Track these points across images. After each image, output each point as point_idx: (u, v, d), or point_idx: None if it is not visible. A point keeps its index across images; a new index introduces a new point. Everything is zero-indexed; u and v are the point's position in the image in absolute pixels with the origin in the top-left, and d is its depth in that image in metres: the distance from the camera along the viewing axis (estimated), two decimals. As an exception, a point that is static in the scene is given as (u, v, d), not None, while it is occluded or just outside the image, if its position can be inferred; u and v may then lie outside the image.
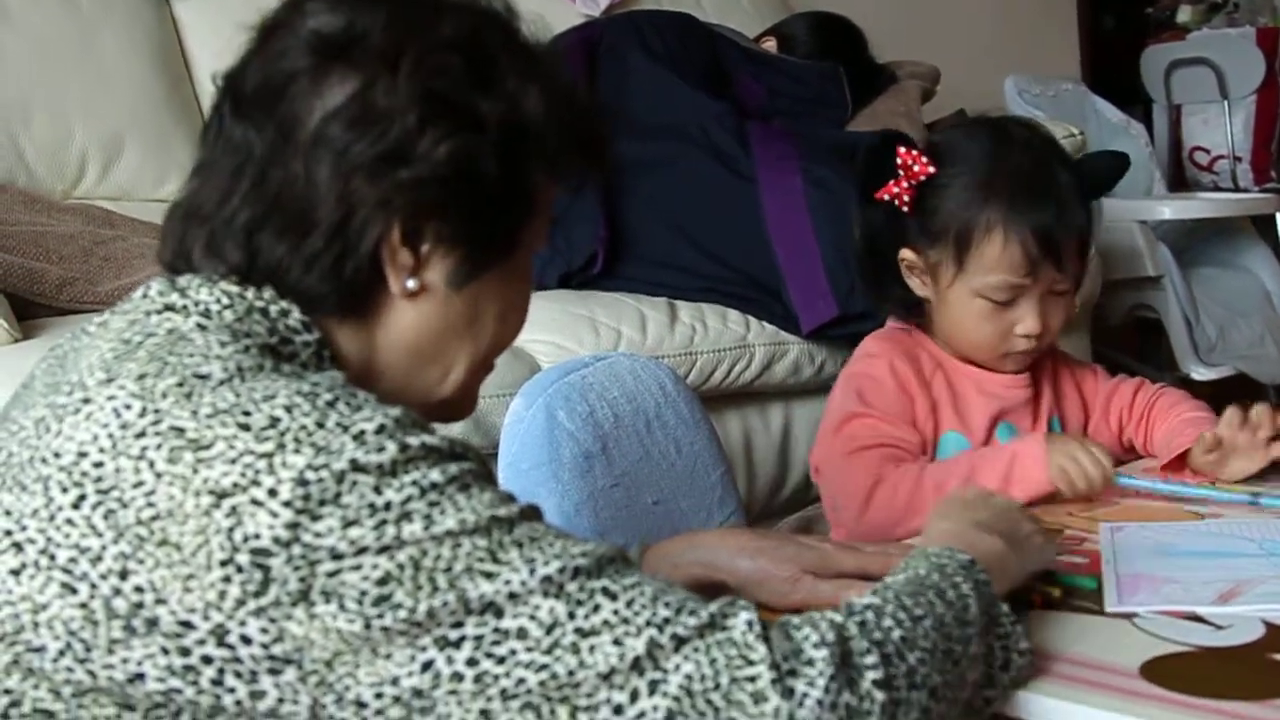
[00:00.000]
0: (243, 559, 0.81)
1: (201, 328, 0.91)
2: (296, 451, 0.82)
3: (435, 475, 0.84)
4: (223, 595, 0.81)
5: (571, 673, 0.82)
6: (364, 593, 0.81)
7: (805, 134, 2.57)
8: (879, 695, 0.86)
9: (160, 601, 0.82)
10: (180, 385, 0.85)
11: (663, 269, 2.43)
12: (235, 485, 0.81)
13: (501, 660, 0.82)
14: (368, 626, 0.81)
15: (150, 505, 0.82)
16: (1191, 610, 1.12)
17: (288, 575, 0.81)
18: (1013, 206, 1.50)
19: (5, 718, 0.85)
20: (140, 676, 0.83)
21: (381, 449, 0.83)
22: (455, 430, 1.60)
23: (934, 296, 1.58)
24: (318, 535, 0.81)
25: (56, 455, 0.85)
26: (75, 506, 0.83)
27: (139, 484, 0.83)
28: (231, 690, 0.82)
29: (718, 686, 0.83)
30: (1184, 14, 4.76)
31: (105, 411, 0.85)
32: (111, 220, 2.40)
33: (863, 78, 2.92)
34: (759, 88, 2.82)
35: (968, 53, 3.94)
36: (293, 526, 0.81)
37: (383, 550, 0.82)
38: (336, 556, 0.81)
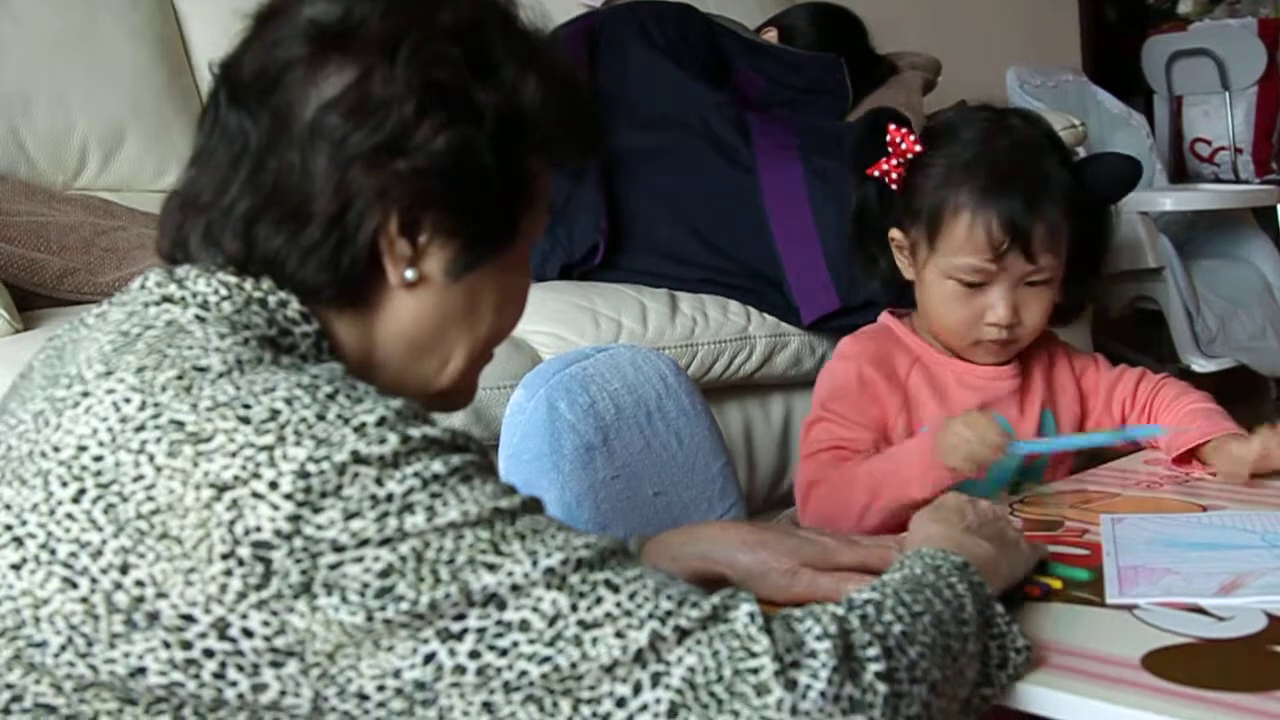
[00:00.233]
0: (244, 552, 0.80)
1: (200, 319, 0.91)
2: (297, 444, 0.82)
3: (437, 467, 0.84)
4: (224, 588, 0.81)
5: (574, 665, 0.82)
6: (366, 585, 0.81)
7: (806, 124, 2.57)
8: (882, 687, 0.86)
9: (161, 595, 0.81)
10: (179, 378, 0.85)
11: (664, 260, 2.43)
12: (236, 478, 0.81)
13: (504, 652, 0.82)
14: (370, 619, 0.81)
15: (150, 499, 0.82)
16: (1193, 602, 1.12)
17: (289, 568, 0.80)
18: (985, 190, 1.50)
19: (6, 713, 0.85)
20: (142, 670, 0.83)
21: (383, 441, 0.83)
22: (456, 421, 1.60)
23: (915, 277, 1.59)
24: (319, 528, 0.81)
25: (56, 449, 0.85)
26: (75, 501, 0.83)
27: (139, 478, 0.82)
28: (234, 684, 0.82)
29: (720, 678, 0.83)
30: (1185, 5, 4.76)
31: (104, 405, 0.85)
32: (112, 211, 2.40)
33: (864, 68, 2.92)
34: (759, 78, 2.81)
35: (969, 43, 3.94)
36: (294, 519, 0.81)
37: (385, 542, 0.81)
38: (338, 549, 0.81)
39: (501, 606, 0.82)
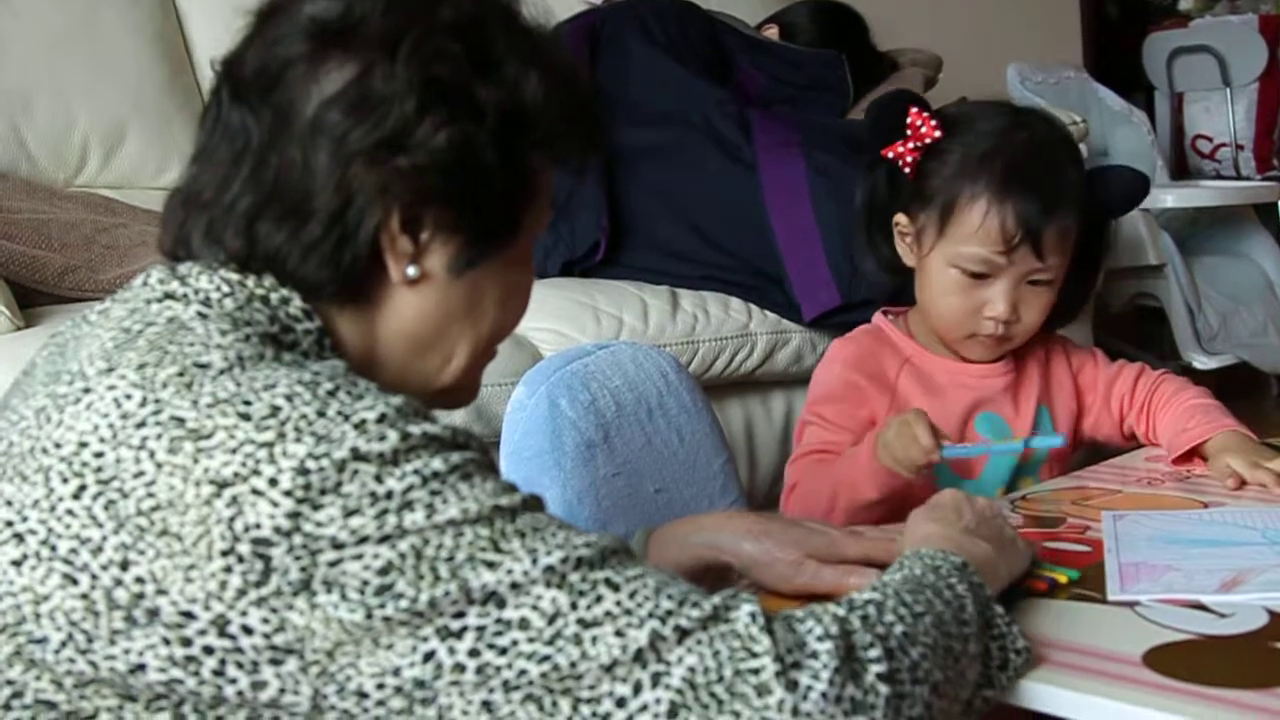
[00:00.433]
0: (244, 549, 0.80)
1: (202, 316, 0.91)
2: (297, 440, 0.82)
3: (437, 464, 0.84)
4: (224, 585, 0.81)
5: (574, 664, 0.82)
6: (366, 582, 0.81)
7: (807, 121, 2.56)
8: (883, 689, 0.85)
9: (161, 592, 0.81)
10: (181, 375, 0.85)
11: (665, 257, 2.43)
12: (236, 475, 0.81)
13: (503, 651, 0.82)
14: (369, 616, 0.81)
15: (151, 495, 0.82)
16: (1194, 598, 1.12)
17: (289, 565, 0.80)
18: (1004, 181, 1.50)
19: (7, 709, 0.85)
20: (142, 667, 0.82)
21: (383, 438, 0.83)
22: (457, 418, 1.60)
23: (917, 265, 1.59)
24: (319, 525, 0.81)
25: (57, 445, 0.85)
26: (76, 497, 0.83)
27: (139, 474, 0.82)
28: (233, 681, 0.82)
29: (721, 679, 0.83)
30: (1186, 1, 4.76)
31: (106, 401, 0.85)
32: (113, 208, 2.40)
33: (864, 65, 2.92)
34: (760, 75, 2.81)
35: (970, 40, 3.94)
36: (294, 516, 0.81)
37: (384, 539, 0.81)
38: (338, 546, 0.81)
39: (501, 604, 0.82)
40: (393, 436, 0.83)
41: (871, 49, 3.02)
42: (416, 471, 0.83)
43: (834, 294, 2.33)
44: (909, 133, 1.56)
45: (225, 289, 0.93)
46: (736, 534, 1.16)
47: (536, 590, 0.83)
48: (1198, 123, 4.51)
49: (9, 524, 0.85)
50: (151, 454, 0.83)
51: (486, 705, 0.82)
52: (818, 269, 2.35)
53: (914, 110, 1.56)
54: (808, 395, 1.65)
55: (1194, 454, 1.60)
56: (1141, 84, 4.62)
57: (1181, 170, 4.51)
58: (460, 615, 0.82)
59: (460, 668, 0.82)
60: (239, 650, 0.82)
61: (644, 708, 0.82)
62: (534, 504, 0.88)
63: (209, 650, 0.82)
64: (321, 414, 0.83)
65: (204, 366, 0.86)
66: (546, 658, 0.82)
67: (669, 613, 0.84)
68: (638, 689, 0.82)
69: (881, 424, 1.46)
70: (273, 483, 0.81)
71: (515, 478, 0.92)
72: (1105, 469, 1.62)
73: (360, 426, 0.83)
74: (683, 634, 0.84)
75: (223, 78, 0.97)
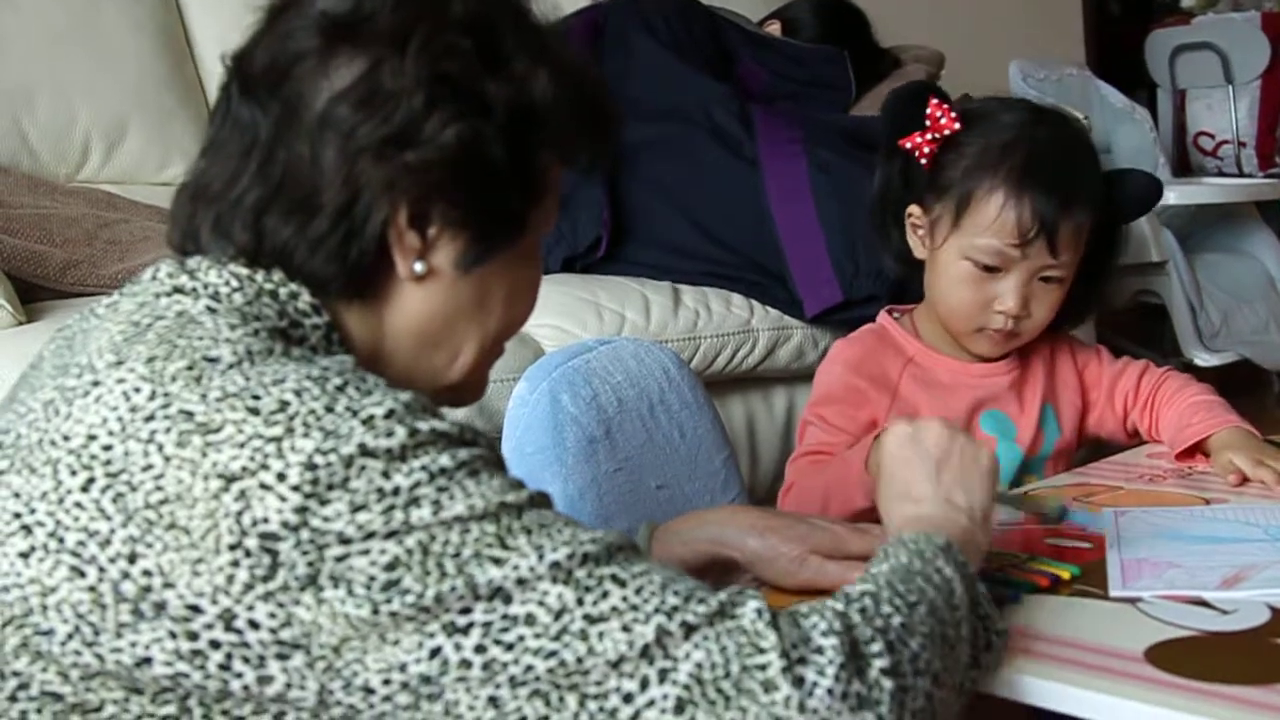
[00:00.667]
0: (251, 543, 0.81)
1: (211, 310, 0.91)
2: (305, 436, 0.82)
3: (444, 460, 0.84)
4: (231, 579, 0.81)
5: (580, 660, 0.82)
6: (372, 578, 0.81)
7: (809, 118, 2.56)
8: (887, 683, 0.86)
9: (168, 585, 0.82)
10: (190, 368, 0.85)
11: (666, 253, 2.43)
12: (244, 469, 0.81)
13: (510, 647, 0.82)
14: (375, 611, 0.81)
15: (159, 489, 0.82)
16: (1196, 595, 1.12)
17: (296, 560, 0.81)
18: (1023, 174, 1.50)
19: (13, 700, 0.85)
20: (148, 660, 0.83)
21: (390, 434, 0.83)
22: (458, 415, 1.60)
23: (928, 257, 1.59)
24: (326, 520, 0.81)
25: (65, 438, 0.85)
26: (84, 490, 0.83)
27: (148, 467, 0.83)
28: (239, 675, 0.82)
29: (728, 674, 0.83)
30: (1189, -2, 4.75)
31: (114, 394, 0.85)
32: (115, 203, 2.40)
33: (867, 62, 2.92)
34: (762, 71, 2.81)
35: (972, 37, 3.93)
36: (301, 511, 0.81)
37: (391, 535, 0.81)
38: (345, 541, 0.81)
39: (507, 601, 0.82)
40: (400, 433, 0.84)
41: (874, 45, 3.02)
42: (424, 468, 0.83)
43: (836, 290, 2.33)
44: (928, 124, 1.56)
45: (234, 283, 0.93)
46: (741, 529, 1.17)
47: (543, 586, 0.83)
48: (1200, 120, 4.51)
49: (17, 516, 0.85)
50: (160, 447, 0.83)
51: (493, 701, 0.82)
52: (820, 265, 2.35)
53: (934, 102, 1.56)
54: (810, 395, 1.65)
55: (1196, 450, 1.60)
56: (1144, 81, 4.62)
57: (1184, 167, 4.51)
58: (467, 611, 0.82)
59: (467, 664, 0.82)
60: (245, 645, 0.82)
61: (651, 703, 0.82)
62: (540, 500, 0.88)
63: (215, 644, 0.82)
64: (330, 409, 0.83)
65: (213, 360, 0.86)
66: (553, 653, 0.82)
67: (675, 608, 0.84)
68: (644, 685, 0.82)
69: (877, 430, 1.44)
70: (281, 478, 0.81)
71: (517, 474, 0.92)
72: (1108, 465, 1.62)
73: (368, 422, 0.83)
74: (689, 630, 0.84)
75: (233, 72, 0.97)
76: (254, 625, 0.81)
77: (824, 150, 2.42)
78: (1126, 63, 4.67)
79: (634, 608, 0.84)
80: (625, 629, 0.83)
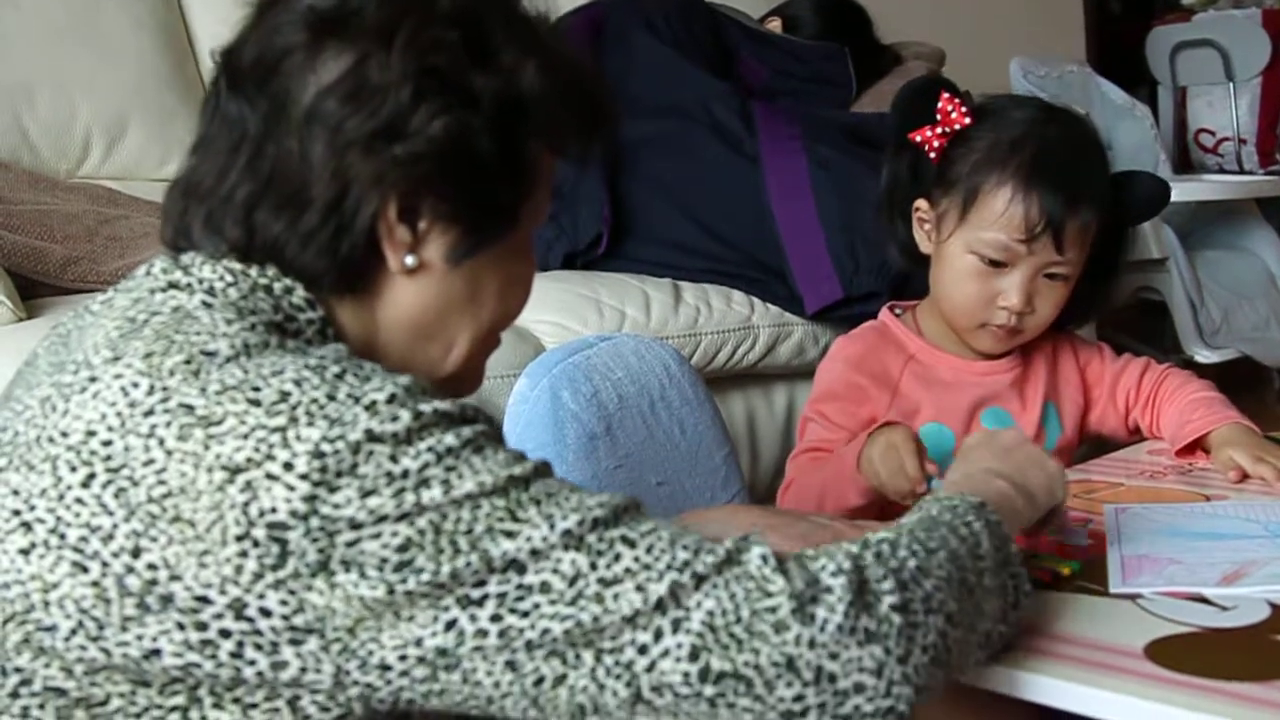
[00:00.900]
0: (259, 533, 0.81)
1: (207, 305, 0.91)
2: (310, 424, 0.83)
3: (450, 440, 0.85)
4: (239, 569, 0.81)
5: (596, 619, 0.83)
6: (385, 560, 0.81)
7: (810, 114, 2.56)
8: (896, 619, 0.87)
9: (175, 578, 0.82)
10: (188, 363, 0.85)
11: (667, 250, 2.43)
12: (249, 460, 0.82)
13: (526, 614, 0.83)
14: (391, 592, 0.81)
15: (162, 483, 0.82)
16: (1196, 591, 1.12)
17: (306, 548, 0.81)
18: (1032, 170, 1.50)
19: (15, 696, 0.85)
20: (156, 652, 0.83)
21: (395, 418, 0.84)
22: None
23: (933, 252, 1.59)
24: (336, 506, 0.81)
25: (64, 434, 0.85)
26: (85, 485, 0.83)
27: (149, 462, 0.83)
28: (252, 662, 0.83)
29: (739, 619, 0.85)
30: (1189, -5, 4.74)
31: (113, 390, 0.85)
32: (116, 200, 2.40)
33: (867, 59, 2.92)
34: (763, 68, 2.81)
35: (973, 34, 3.93)
36: (310, 499, 0.81)
37: (403, 517, 0.82)
38: (355, 526, 0.81)
39: (521, 571, 0.83)
40: (405, 416, 0.84)
41: (874, 42, 3.02)
42: (430, 449, 0.84)
43: (836, 287, 2.33)
44: (938, 118, 1.56)
45: (229, 278, 0.93)
46: (742, 529, 1.16)
47: (556, 554, 0.84)
48: (1201, 117, 4.51)
49: (16, 513, 0.85)
50: (161, 441, 0.83)
51: (510, 665, 0.83)
52: (820, 262, 2.35)
53: (945, 96, 1.56)
54: (811, 392, 1.65)
55: (1197, 447, 1.60)
56: (1144, 78, 4.61)
57: (1184, 165, 4.51)
58: (481, 584, 0.83)
59: (483, 633, 0.83)
60: (257, 632, 0.82)
61: (665, 653, 0.84)
62: (544, 470, 0.89)
63: (226, 633, 0.82)
64: (332, 397, 0.84)
65: (211, 354, 0.86)
66: (569, 617, 0.83)
67: (686, 563, 0.85)
68: (659, 635, 0.84)
69: (871, 429, 1.45)
70: (288, 467, 0.81)
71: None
72: (1108, 462, 1.62)
73: (371, 408, 0.84)
74: (699, 580, 0.85)
75: (222, 68, 0.98)
76: (265, 613, 0.82)
77: (824, 147, 2.42)
78: (1127, 60, 4.67)
79: (646, 567, 0.85)
80: (639, 588, 0.84)
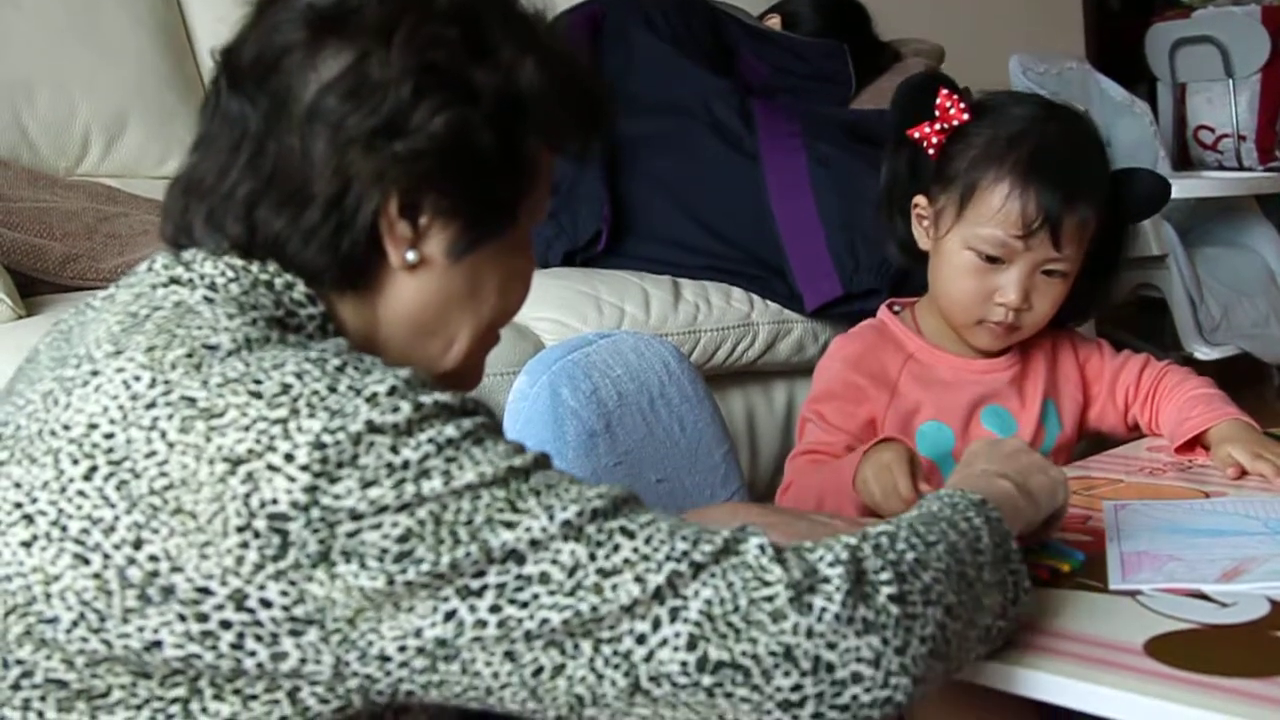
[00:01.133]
0: (260, 524, 0.81)
1: (208, 300, 0.91)
2: (311, 416, 0.83)
3: (450, 431, 0.85)
4: (240, 560, 0.81)
5: (594, 609, 0.84)
6: (385, 550, 0.82)
7: (809, 111, 2.56)
8: (894, 609, 0.87)
9: (176, 569, 0.82)
10: (189, 356, 0.86)
11: (667, 247, 2.43)
12: (250, 451, 0.82)
13: (524, 605, 0.83)
14: (390, 582, 0.82)
15: (163, 475, 0.83)
16: (1196, 588, 1.12)
17: (306, 538, 0.81)
18: (1030, 166, 1.50)
19: (16, 688, 0.85)
20: (157, 644, 0.83)
21: (396, 409, 0.84)
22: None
23: (931, 248, 1.59)
24: (336, 497, 0.82)
25: (66, 428, 0.85)
26: (86, 478, 0.84)
27: (151, 454, 0.83)
28: (252, 653, 0.83)
29: (737, 608, 0.85)
30: (1189, -8, 4.74)
31: (114, 383, 0.86)
32: (115, 197, 2.40)
33: (867, 55, 2.92)
34: (763, 65, 2.81)
35: (972, 31, 3.93)
36: (311, 490, 0.81)
37: (403, 508, 0.82)
38: (356, 517, 0.82)
39: (521, 561, 0.83)
40: (405, 407, 0.85)
41: (874, 39, 3.02)
42: (431, 440, 0.84)
43: (835, 285, 2.33)
44: (937, 114, 1.56)
45: (230, 274, 0.94)
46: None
47: (555, 545, 0.84)
48: (1200, 114, 4.51)
49: (18, 506, 0.85)
50: (163, 434, 0.83)
51: (509, 655, 0.84)
52: (819, 260, 2.35)
53: (944, 92, 1.56)
54: (809, 391, 1.65)
55: (1196, 443, 1.60)
56: (1144, 75, 4.61)
57: (1184, 161, 4.50)
58: (480, 575, 0.83)
59: (482, 624, 0.83)
60: (258, 623, 0.82)
61: (664, 642, 0.84)
62: (544, 462, 0.90)
63: (226, 624, 0.82)
64: (333, 389, 0.84)
65: (212, 348, 0.86)
66: (568, 607, 0.83)
67: (684, 554, 0.86)
68: (656, 625, 0.84)
69: (867, 446, 1.42)
70: (289, 458, 0.82)
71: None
72: (1108, 458, 1.62)
73: (372, 400, 0.84)
74: (697, 569, 0.86)
75: (222, 66, 0.98)
76: (266, 604, 0.82)
77: (824, 144, 2.42)
78: (1126, 56, 4.67)
79: (645, 557, 0.85)
80: (638, 579, 0.84)
